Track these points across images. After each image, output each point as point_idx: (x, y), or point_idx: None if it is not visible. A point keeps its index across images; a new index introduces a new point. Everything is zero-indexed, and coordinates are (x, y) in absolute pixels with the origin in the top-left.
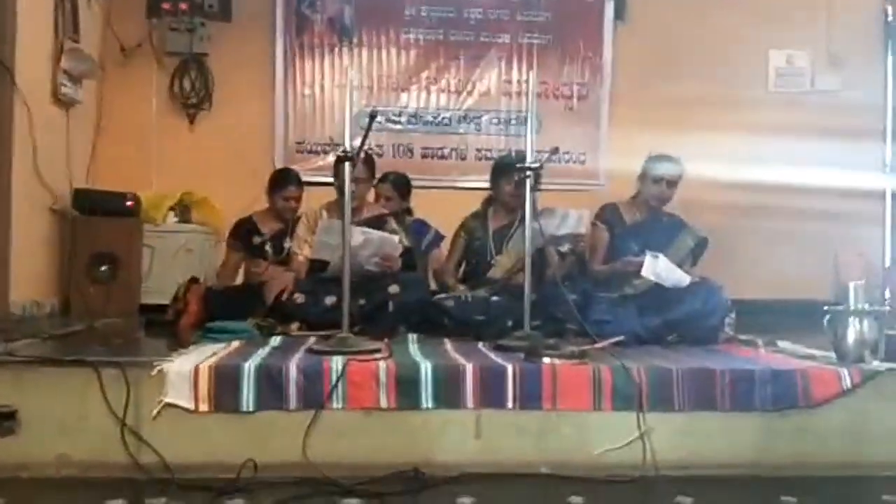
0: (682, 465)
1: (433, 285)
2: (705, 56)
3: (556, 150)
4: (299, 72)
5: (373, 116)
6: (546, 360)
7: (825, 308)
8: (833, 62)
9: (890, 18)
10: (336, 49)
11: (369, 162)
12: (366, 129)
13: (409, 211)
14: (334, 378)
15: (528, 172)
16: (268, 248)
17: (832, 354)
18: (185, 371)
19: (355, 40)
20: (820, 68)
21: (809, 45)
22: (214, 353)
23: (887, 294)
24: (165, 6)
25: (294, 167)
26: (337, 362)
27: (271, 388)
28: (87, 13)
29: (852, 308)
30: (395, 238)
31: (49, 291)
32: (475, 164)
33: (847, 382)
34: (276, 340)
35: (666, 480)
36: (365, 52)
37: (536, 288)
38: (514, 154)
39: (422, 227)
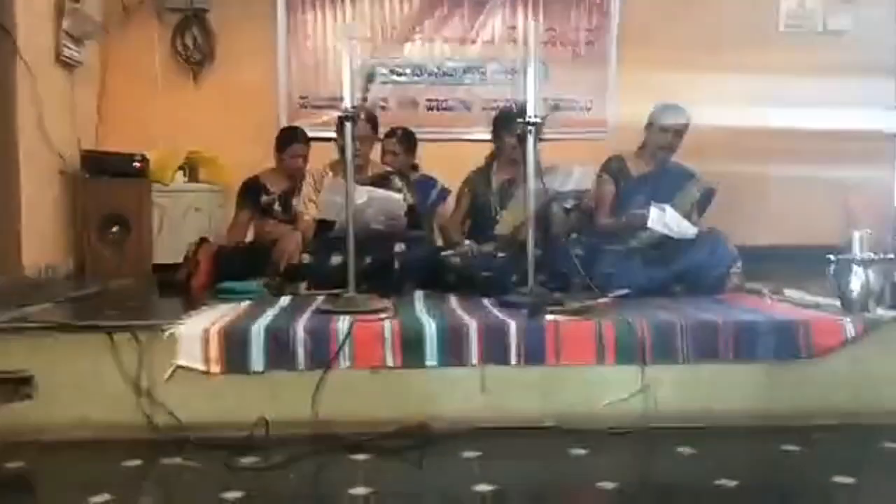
0: (685, 416)
1: (439, 241)
2: None
3: (556, 107)
4: (302, 25)
5: (370, 78)
6: (549, 316)
7: (829, 257)
8: (845, 1)
9: None
10: (339, 0)
11: (372, 120)
12: (363, 90)
13: (415, 166)
14: (341, 338)
15: (530, 127)
16: (276, 206)
17: (838, 303)
18: (195, 334)
19: None
20: (831, 8)
21: None
22: (224, 315)
23: None
24: None
25: (299, 123)
26: (343, 322)
27: (280, 349)
28: None
29: (857, 257)
30: (400, 196)
31: (62, 254)
32: (481, 115)
33: (850, 332)
34: (284, 301)
35: (669, 432)
36: (367, 2)
37: (541, 243)
38: (515, 106)
39: (428, 182)
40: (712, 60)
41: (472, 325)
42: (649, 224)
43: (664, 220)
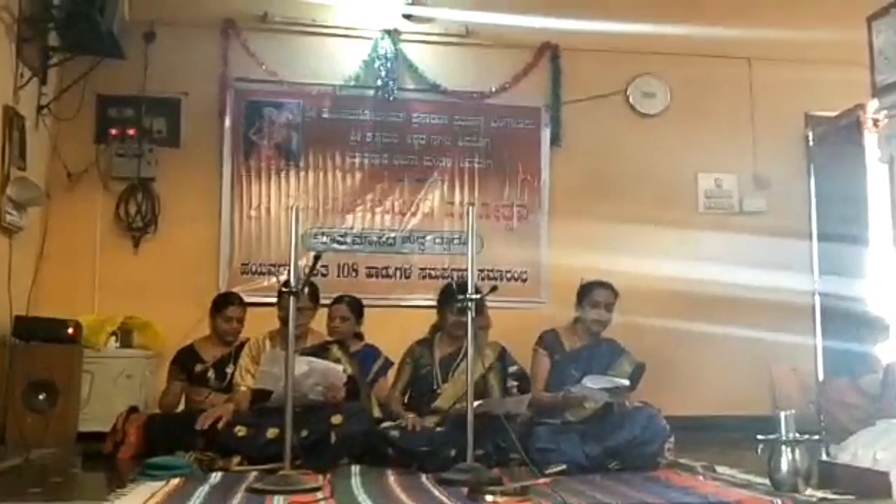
0: None
1: (377, 412)
2: (638, 179)
3: (495, 287)
4: (246, 194)
5: (317, 257)
6: (489, 497)
7: (758, 437)
8: (759, 184)
9: (811, 143)
10: (283, 173)
11: (313, 291)
12: (310, 268)
13: (359, 335)
14: None
15: (470, 303)
16: (210, 374)
17: (768, 481)
18: None
19: (302, 164)
20: (746, 190)
21: (736, 169)
22: (153, 495)
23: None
24: (113, 132)
25: (238, 288)
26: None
27: None
28: (35, 139)
29: (784, 438)
30: (340, 367)
31: None
32: (419, 283)
33: None
34: (215, 478)
35: None
36: (311, 175)
37: (479, 416)
38: (457, 283)
39: (371, 352)
40: (638, 238)
41: None
42: (586, 382)
43: (597, 383)
